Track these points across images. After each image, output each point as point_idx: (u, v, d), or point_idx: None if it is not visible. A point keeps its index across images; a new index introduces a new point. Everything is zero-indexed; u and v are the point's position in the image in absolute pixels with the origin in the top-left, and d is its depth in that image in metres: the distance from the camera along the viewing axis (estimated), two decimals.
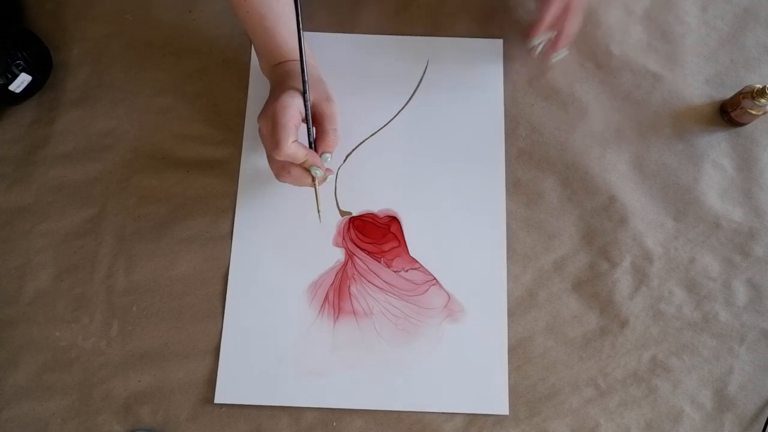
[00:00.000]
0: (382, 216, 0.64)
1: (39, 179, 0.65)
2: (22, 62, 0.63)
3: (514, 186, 0.65)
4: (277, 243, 0.63)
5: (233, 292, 0.62)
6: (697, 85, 0.68)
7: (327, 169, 0.58)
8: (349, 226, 0.63)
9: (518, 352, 0.61)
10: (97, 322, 0.61)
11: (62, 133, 0.67)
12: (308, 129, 0.57)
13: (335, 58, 0.68)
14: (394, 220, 0.64)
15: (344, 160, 0.65)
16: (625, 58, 0.69)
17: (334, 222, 0.64)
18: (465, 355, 0.60)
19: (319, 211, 0.59)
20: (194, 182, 0.65)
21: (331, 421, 0.59)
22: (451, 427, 0.59)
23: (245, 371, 0.60)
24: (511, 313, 0.61)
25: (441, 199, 0.65)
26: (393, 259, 0.63)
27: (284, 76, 0.58)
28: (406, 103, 0.67)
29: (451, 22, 0.70)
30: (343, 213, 0.64)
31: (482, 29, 0.70)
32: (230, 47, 0.69)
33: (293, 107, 0.54)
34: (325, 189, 0.64)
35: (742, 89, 0.64)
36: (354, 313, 0.61)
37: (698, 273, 0.63)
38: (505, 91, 0.68)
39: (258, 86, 0.67)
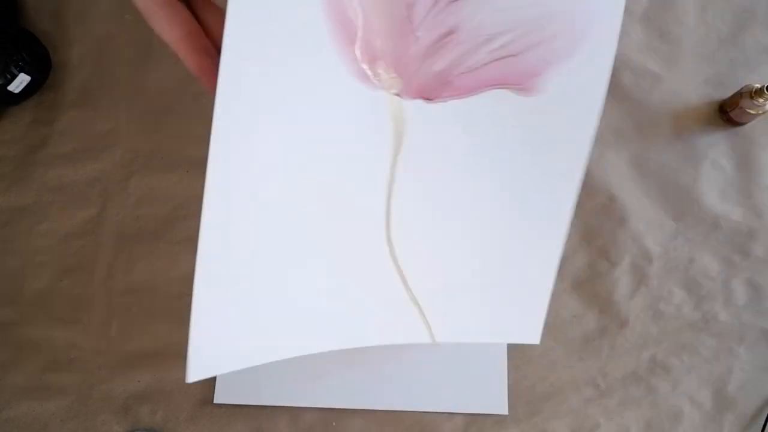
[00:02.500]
0: None
1: (39, 179, 0.65)
2: (21, 62, 0.63)
3: None
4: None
5: None
6: (696, 84, 0.68)
7: None
8: None
9: (517, 351, 0.61)
10: (96, 323, 0.61)
11: (62, 133, 0.67)
12: None
13: None
14: None
15: None
16: (623, 57, 0.69)
17: None
18: (464, 355, 0.60)
19: None
20: (194, 182, 0.65)
21: (330, 421, 0.59)
22: (450, 427, 0.59)
23: (245, 371, 0.59)
24: None
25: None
26: None
27: None
28: None
29: None
30: None
31: None
32: None
33: None
34: None
35: (741, 89, 0.64)
36: None
37: (698, 273, 0.63)
38: None
39: None
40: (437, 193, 0.42)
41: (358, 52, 0.36)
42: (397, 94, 0.38)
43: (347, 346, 0.45)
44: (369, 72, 0.37)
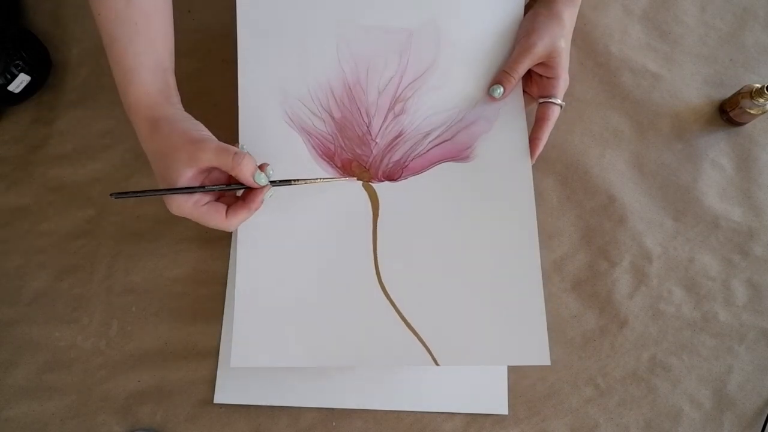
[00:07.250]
0: None
1: (39, 179, 0.65)
2: (21, 62, 0.63)
3: None
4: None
5: (232, 293, 0.62)
6: (696, 84, 0.68)
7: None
8: None
9: None
10: (96, 323, 0.61)
11: (62, 133, 0.67)
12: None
13: None
14: None
15: None
16: (624, 57, 0.69)
17: None
18: None
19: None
20: None
21: (330, 421, 0.59)
22: (450, 427, 0.59)
23: (245, 371, 0.60)
24: None
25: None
26: None
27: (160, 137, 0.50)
28: None
29: None
30: None
31: None
32: (230, 47, 0.69)
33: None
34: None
35: (741, 89, 0.64)
36: None
37: (697, 272, 0.63)
38: None
39: None
40: (414, 242, 0.53)
41: (337, 162, 0.54)
42: (370, 181, 0.54)
43: (357, 365, 0.54)
44: (347, 171, 0.54)
